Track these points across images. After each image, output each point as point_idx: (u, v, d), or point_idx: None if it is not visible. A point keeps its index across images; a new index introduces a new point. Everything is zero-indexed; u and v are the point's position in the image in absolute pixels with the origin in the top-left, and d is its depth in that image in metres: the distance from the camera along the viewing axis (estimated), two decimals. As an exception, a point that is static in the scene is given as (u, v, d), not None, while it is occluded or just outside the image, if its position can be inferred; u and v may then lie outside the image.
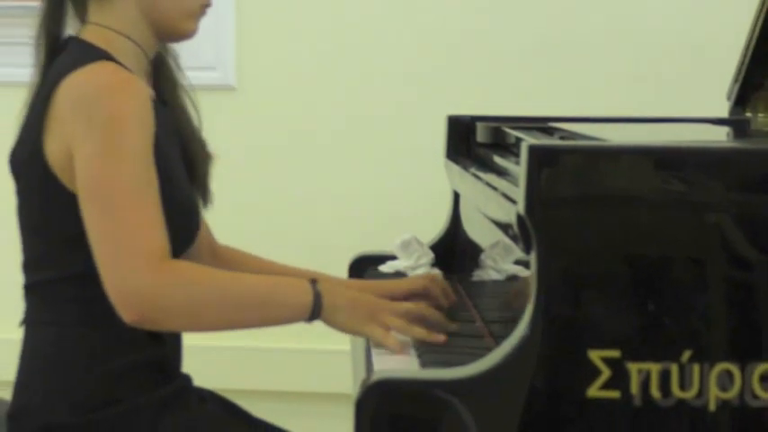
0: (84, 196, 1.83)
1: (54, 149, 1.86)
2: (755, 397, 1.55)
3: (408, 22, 3.08)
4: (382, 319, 1.86)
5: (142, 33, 1.96)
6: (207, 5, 1.99)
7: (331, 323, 1.86)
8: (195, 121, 2.05)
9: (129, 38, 1.95)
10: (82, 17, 1.97)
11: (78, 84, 1.85)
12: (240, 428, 2.00)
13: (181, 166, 1.99)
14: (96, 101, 1.84)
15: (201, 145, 2.06)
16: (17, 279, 1.94)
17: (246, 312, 1.86)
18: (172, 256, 1.84)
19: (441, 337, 1.86)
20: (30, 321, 1.94)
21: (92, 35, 1.94)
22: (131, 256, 1.79)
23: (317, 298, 1.84)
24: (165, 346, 1.93)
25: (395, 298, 1.99)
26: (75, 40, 1.95)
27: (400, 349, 1.82)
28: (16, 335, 1.94)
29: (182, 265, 1.86)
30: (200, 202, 2.05)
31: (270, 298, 1.87)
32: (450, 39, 3.07)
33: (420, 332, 1.85)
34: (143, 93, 1.88)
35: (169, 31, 1.98)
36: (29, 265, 1.95)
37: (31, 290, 1.94)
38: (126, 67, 1.90)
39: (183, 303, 1.81)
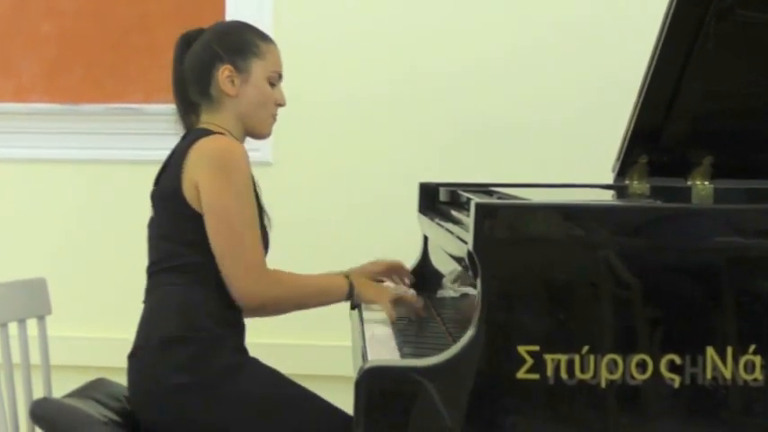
0: (210, 217, 1.95)
1: (187, 185, 1.96)
2: (633, 378, 1.53)
3: (410, 115, 3.02)
4: (388, 295, 2.09)
5: (237, 132, 2.07)
6: (275, 112, 2.10)
7: (360, 298, 2.08)
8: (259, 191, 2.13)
9: (230, 133, 2.06)
10: (197, 120, 2.09)
11: (203, 145, 1.98)
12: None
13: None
14: (215, 152, 1.97)
15: (263, 208, 2.13)
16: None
17: (311, 298, 2.06)
18: None
19: (419, 313, 2.10)
20: (158, 286, 2.01)
21: (207, 127, 2.06)
22: (246, 269, 1.95)
23: (351, 286, 2.06)
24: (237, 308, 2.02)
25: (378, 272, 2.25)
26: (197, 128, 2.07)
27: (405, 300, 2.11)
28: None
29: (273, 271, 2.00)
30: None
31: (324, 288, 2.06)
32: (421, 141, 3.03)
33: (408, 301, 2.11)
34: (245, 153, 1.99)
35: (254, 134, 2.11)
36: (157, 261, 2.02)
37: (158, 272, 2.01)
38: None
39: (276, 297, 2.00)
